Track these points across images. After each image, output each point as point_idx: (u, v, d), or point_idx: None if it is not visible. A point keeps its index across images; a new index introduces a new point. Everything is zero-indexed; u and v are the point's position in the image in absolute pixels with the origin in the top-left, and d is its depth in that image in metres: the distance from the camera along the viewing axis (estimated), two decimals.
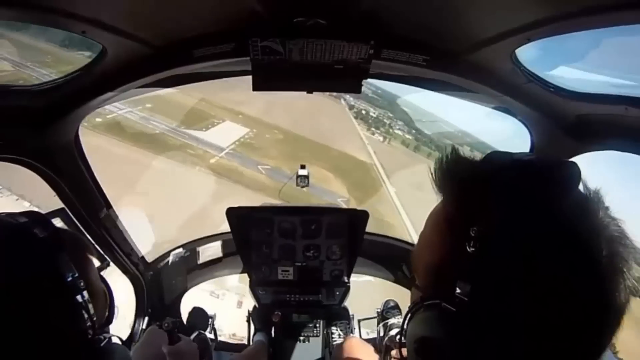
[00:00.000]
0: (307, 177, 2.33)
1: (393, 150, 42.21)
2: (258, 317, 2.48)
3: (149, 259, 2.39)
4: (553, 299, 0.55)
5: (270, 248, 2.38)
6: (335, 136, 37.57)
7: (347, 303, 2.54)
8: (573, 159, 1.45)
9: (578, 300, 0.55)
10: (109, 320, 1.08)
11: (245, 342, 2.51)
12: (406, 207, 25.70)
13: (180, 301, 2.71)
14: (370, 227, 2.38)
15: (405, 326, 0.74)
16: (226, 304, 13.54)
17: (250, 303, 2.57)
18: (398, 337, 0.81)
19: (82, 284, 0.87)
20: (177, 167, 26.53)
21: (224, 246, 2.68)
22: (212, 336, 2.30)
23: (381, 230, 3.62)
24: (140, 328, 2.30)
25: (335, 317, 2.47)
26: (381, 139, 44.72)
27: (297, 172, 2.34)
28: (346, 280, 2.48)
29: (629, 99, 1.15)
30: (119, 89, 1.39)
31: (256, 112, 37.37)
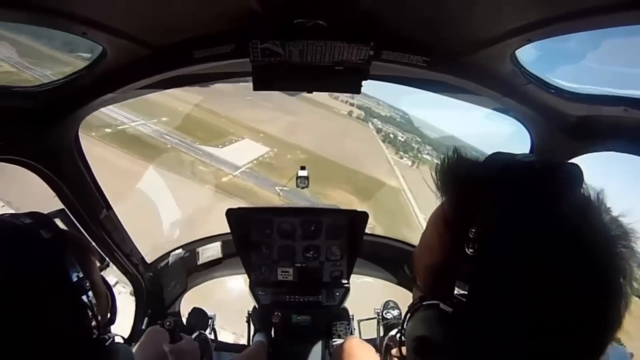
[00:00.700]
0: (307, 178, 2.32)
1: (422, 174, 40.90)
2: (258, 318, 2.48)
3: (149, 260, 2.39)
4: (552, 300, 0.55)
5: (270, 249, 2.38)
6: (361, 159, 36.54)
7: (346, 304, 2.54)
8: (573, 160, 1.46)
9: (578, 301, 0.55)
10: (112, 320, 1.08)
11: (245, 342, 2.51)
12: None
13: (179, 302, 2.71)
14: None
15: (404, 325, 0.75)
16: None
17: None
18: (398, 335, 0.81)
19: (87, 284, 0.88)
20: (183, 184, 25.35)
21: (223, 247, 2.69)
22: (212, 336, 2.30)
23: None
24: (140, 328, 2.30)
25: (335, 317, 2.47)
26: (409, 163, 44.23)
27: (297, 173, 2.34)
28: (346, 281, 2.48)
29: (629, 100, 1.15)
30: (119, 90, 1.39)
31: (279, 131, 36.60)
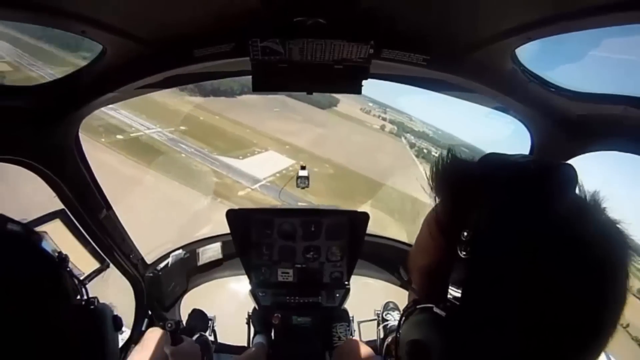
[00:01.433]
0: (307, 178, 2.32)
1: None
2: (258, 319, 2.47)
3: (149, 260, 2.38)
4: (547, 303, 0.54)
5: (270, 250, 2.38)
6: (394, 174, 34.66)
7: (346, 305, 2.53)
8: (573, 160, 1.46)
9: (572, 304, 0.54)
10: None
11: (245, 344, 2.50)
12: None
13: (179, 303, 2.70)
14: None
15: (399, 328, 0.74)
16: None
17: None
18: (392, 338, 0.81)
19: (65, 255, 0.93)
20: (192, 198, 23.77)
21: (223, 248, 2.68)
22: (212, 338, 2.29)
23: None
24: (139, 329, 2.29)
25: (335, 319, 2.46)
26: None
27: (298, 173, 2.33)
28: (346, 282, 2.47)
29: (629, 99, 1.15)
30: (119, 90, 1.40)
31: (306, 143, 35.39)
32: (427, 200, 0.74)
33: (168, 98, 39.86)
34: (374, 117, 59.56)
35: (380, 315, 2.31)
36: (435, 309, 0.65)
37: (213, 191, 25.59)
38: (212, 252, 2.67)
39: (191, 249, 2.58)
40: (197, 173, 28.18)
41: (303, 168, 2.34)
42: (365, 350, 1.88)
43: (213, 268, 2.72)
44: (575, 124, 1.39)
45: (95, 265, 1.76)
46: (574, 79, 1.34)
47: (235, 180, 28.39)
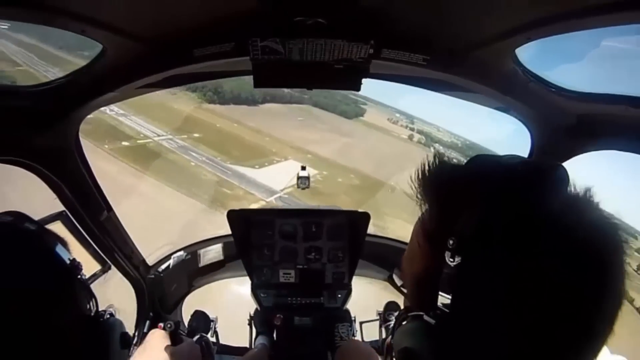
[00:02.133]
0: (307, 178, 2.32)
1: None
2: (260, 320, 2.47)
3: (150, 262, 2.38)
4: (538, 307, 0.53)
5: (272, 250, 2.37)
6: None
7: (348, 305, 2.53)
8: (572, 159, 1.46)
9: (564, 309, 0.53)
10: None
11: (247, 345, 2.50)
12: None
13: (181, 304, 2.70)
14: None
15: (392, 335, 0.74)
16: None
17: None
18: (387, 342, 0.81)
19: (78, 263, 0.91)
20: (192, 210, 22.09)
21: (225, 249, 2.67)
22: (214, 339, 2.29)
23: None
24: (142, 331, 2.29)
25: (337, 319, 2.45)
26: None
27: (298, 174, 2.33)
28: (348, 283, 2.46)
29: (629, 99, 1.15)
30: (119, 89, 1.40)
31: (330, 152, 33.67)
32: None
33: (185, 105, 39.34)
34: (401, 127, 58.99)
35: (382, 316, 2.31)
36: (425, 317, 0.64)
37: (221, 204, 24.07)
38: (213, 253, 2.67)
39: (192, 250, 2.58)
40: (204, 183, 26.81)
41: (303, 168, 2.34)
42: (367, 350, 1.87)
43: (215, 269, 2.72)
44: (575, 123, 1.39)
45: (97, 267, 1.76)
46: (574, 79, 1.34)
47: (248, 192, 26.75)
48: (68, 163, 1.59)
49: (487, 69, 1.31)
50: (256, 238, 2.36)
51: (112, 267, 1.93)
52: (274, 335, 2.42)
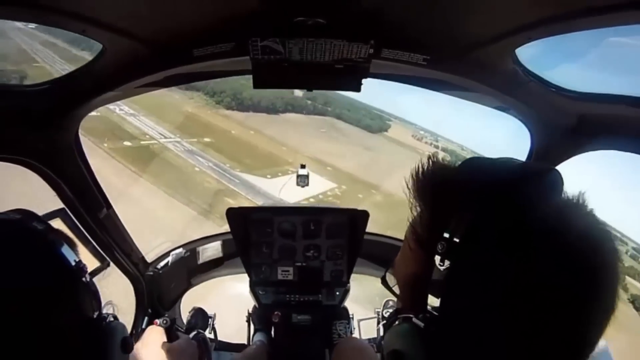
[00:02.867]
0: (306, 176, 2.32)
1: None
2: (258, 317, 2.47)
3: (149, 259, 2.39)
4: (527, 314, 0.53)
5: (271, 248, 2.38)
6: None
7: (346, 303, 2.54)
8: (572, 159, 1.46)
9: (557, 309, 0.53)
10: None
11: (245, 342, 2.51)
12: None
13: (180, 301, 2.71)
14: None
15: (383, 336, 0.75)
16: None
17: None
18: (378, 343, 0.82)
19: (84, 265, 0.91)
20: (182, 220, 20.82)
21: (224, 246, 2.68)
22: (212, 336, 2.30)
23: None
24: (140, 328, 2.30)
25: (335, 317, 2.47)
26: None
27: (297, 172, 2.33)
28: (346, 280, 2.47)
29: (629, 99, 1.15)
30: (119, 89, 1.39)
31: (352, 167, 32.20)
32: None
33: (201, 110, 38.47)
34: (425, 144, 58.32)
35: (380, 314, 2.32)
36: (415, 320, 0.65)
37: (219, 215, 22.09)
38: (212, 250, 2.67)
39: (191, 247, 2.58)
40: (205, 190, 25.74)
41: (303, 167, 2.34)
42: (364, 347, 1.88)
43: (213, 267, 2.72)
44: (575, 123, 1.39)
45: (96, 264, 1.76)
46: (574, 79, 1.34)
47: (254, 202, 24.62)
48: (68, 161, 1.59)
49: (487, 69, 1.31)
50: (255, 236, 2.36)
51: (112, 264, 1.94)
52: (272, 332, 2.43)
